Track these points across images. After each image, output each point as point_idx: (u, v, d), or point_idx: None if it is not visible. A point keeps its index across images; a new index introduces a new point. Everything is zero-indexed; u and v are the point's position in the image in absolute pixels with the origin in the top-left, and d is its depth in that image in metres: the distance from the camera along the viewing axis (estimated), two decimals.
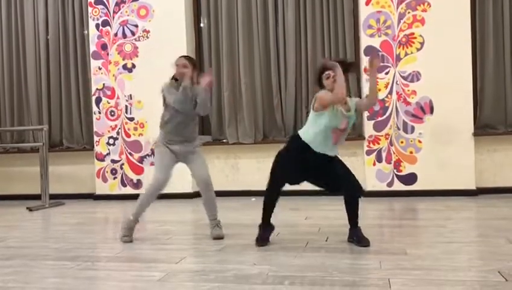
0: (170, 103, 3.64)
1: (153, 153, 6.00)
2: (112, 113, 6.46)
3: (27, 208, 5.83)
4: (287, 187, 3.45)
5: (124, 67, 6.41)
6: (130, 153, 6.38)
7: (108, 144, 6.48)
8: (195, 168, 3.73)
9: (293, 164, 3.39)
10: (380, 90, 3.06)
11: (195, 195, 6.15)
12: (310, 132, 3.37)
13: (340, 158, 3.47)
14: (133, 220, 3.73)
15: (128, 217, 3.76)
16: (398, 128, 5.67)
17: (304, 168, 3.37)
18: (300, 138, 3.39)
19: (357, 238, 3.35)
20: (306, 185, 3.50)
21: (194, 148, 3.76)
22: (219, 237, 3.67)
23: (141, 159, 6.36)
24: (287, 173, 3.40)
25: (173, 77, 3.76)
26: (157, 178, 3.63)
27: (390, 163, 5.70)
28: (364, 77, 5.71)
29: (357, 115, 3.48)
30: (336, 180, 3.38)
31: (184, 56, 3.90)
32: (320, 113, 3.32)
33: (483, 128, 5.73)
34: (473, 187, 5.52)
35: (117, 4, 6.44)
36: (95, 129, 6.54)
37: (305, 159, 3.36)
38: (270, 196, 3.47)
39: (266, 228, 3.49)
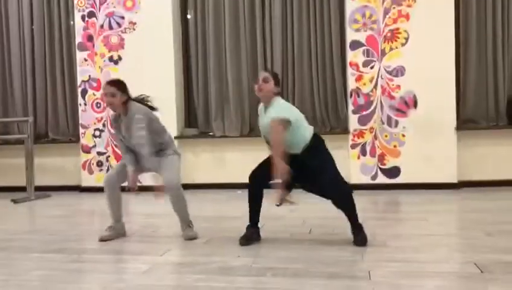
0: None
1: None
2: (98, 105, 6.43)
3: (12, 200, 5.80)
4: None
5: (110, 59, 6.37)
6: (116, 145, 6.37)
7: (94, 136, 6.45)
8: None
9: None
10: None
11: (185, 187, 6.18)
12: None
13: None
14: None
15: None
16: (383, 123, 5.74)
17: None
18: None
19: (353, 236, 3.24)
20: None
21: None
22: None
23: None
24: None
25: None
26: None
27: (374, 156, 5.79)
28: (350, 71, 5.78)
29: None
30: (314, 180, 3.25)
31: (111, 82, 3.71)
32: None
33: (466, 122, 5.83)
34: (455, 181, 5.63)
35: None
36: (80, 121, 6.51)
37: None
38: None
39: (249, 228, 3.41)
